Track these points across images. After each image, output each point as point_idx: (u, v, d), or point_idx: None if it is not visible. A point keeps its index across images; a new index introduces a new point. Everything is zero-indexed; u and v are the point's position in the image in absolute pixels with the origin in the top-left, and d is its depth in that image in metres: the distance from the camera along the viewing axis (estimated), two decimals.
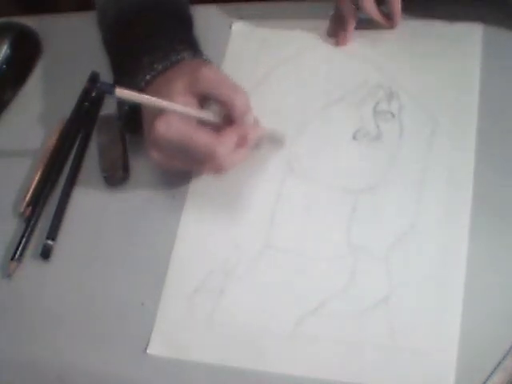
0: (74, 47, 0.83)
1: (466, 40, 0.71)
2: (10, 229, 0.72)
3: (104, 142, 0.74)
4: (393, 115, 0.69)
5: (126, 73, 0.70)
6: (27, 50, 0.84)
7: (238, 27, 0.79)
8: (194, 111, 0.65)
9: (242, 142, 0.64)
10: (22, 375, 0.64)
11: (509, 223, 0.61)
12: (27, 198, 0.73)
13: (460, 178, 0.64)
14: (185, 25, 0.75)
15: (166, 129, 0.63)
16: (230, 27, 0.80)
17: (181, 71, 0.67)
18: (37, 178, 0.74)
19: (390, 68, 0.72)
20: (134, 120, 0.69)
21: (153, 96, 0.63)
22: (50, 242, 0.70)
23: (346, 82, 0.72)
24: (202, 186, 0.70)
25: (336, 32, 0.76)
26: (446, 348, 0.57)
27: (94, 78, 0.79)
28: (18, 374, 0.64)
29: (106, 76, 0.79)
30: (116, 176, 0.72)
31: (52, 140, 0.76)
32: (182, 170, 0.69)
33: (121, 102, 0.69)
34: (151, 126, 0.64)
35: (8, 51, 0.82)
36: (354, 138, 0.69)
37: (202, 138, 0.62)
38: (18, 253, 0.70)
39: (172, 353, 0.62)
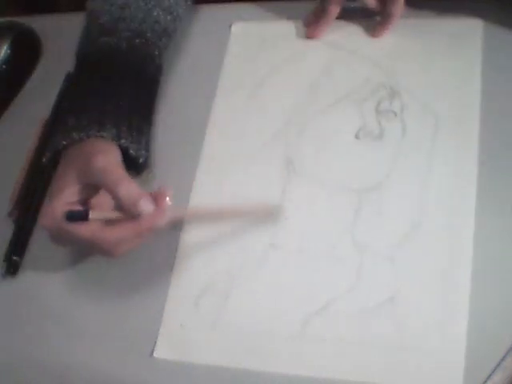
0: (73, 47, 0.82)
1: (467, 37, 0.71)
2: (9, 229, 0.72)
3: None
4: (395, 114, 0.69)
5: (55, 123, 0.71)
6: (27, 50, 0.83)
7: (238, 28, 0.79)
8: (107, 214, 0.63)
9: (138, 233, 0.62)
10: (22, 375, 0.64)
11: None
12: (14, 199, 0.73)
13: (463, 176, 0.64)
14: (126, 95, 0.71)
15: (48, 221, 0.63)
16: (230, 27, 0.79)
17: (83, 154, 0.65)
18: (21, 181, 0.74)
19: (392, 67, 0.72)
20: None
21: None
22: None
23: (348, 81, 0.72)
24: (205, 187, 0.69)
25: (311, 22, 0.75)
26: (453, 347, 0.56)
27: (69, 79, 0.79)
28: (18, 374, 0.64)
29: None
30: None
31: (33, 142, 0.76)
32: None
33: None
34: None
35: (8, 51, 0.82)
36: (357, 137, 0.68)
37: (85, 233, 0.61)
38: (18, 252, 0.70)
39: (178, 356, 0.61)
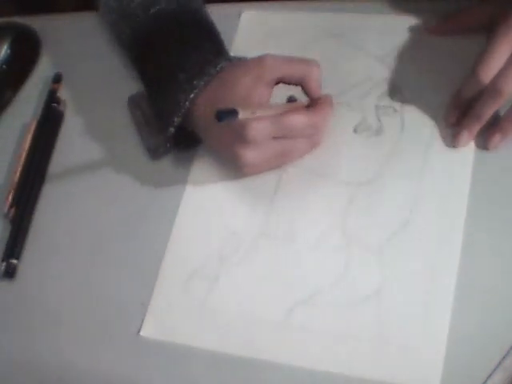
0: (73, 47, 0.83)
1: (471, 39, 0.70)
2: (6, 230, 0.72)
3: (140, 118, 0.74)
4: (395, 110, 0.68)
5: (162, 94, 0.68)
6: (27, 50, 0.84)
7: (247, 16, 0.79)
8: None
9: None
10: (22, 375, 0.64)
11: (505, 222, 0.61)
12: (10, 199, 0.73)
13: (458, 177, 0.63)
14: (209, 32, 0.72)
15: (258, 155, 0.64)
16: (239, 16, 0.79)
17: (231, 76, 0.65)
18: (16, 180, 0.74)
19: (395, 63, 0.71)
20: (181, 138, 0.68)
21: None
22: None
23: (351, 75, 0.72)
24: (201, 173, 0.70)
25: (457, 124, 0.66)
26: (434, 345, 0.57)
27: (57, 79, 0.80)
28: (18, 374, 0.65)
29: (104, 76, 0.79)
30: (161, 148, 0.72)
31: (25, 143, 0.76)
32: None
33: (165, 126, 0.67)
34: (238, 150, 0.63)
35: (8, 51, 0.82)
36: (355, 131, 0.68)
37: (299, 118, 0.64)
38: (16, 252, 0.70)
39: (164, 335, 0.63)
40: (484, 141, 0.64)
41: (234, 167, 0.66)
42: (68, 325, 0.65)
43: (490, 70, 0.61)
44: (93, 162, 0.74)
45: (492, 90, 0.61)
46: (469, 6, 0.69)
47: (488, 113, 0.62)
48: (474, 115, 0.63)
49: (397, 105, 0.68)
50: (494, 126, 0.63)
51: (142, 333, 0.63)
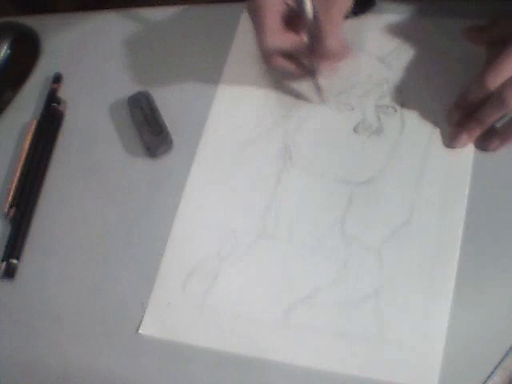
0: (74, 47, 0.83)
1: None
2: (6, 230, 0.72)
3: (140, 118, 0.75)
4: (395, 110, 0.68)
5: None
6: (27, 50, 0.84)
7: (247, 16, 0.77)
8: None
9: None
10: (23, 375, 0.64)
11: (504, 223, 0.61)
12: (9, 199, 0.73)
13: (458, 176, 0.63)
14: None
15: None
16: (239, 16, 0.79)
17: None
18: (16, 180, 0.74)
19: (395, 63, 0.71)
20: None
21: None
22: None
23: (352, 75, 0.72)
24: (201, 172, 0.70)
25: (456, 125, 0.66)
26: (432, 344, 0.57)
27: (57, 79, 0.80)
28: (19, 374, 0.65)
29: (104, 76, 0.80)
30: (160, 148, 0.72)
31: (26, 143, 0.76)
32: None
33: None
34: None
35: (8, 51, 0.83)
36: (355, 130, 0.68)
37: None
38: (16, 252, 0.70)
39: (163, 334, 0.63)
40: (483, 144, 0.64)
41: None
42: (68, 324, 0.65)
43: (497, 79, 0.61)
44: (93, 162, 0.74)
45: (497, 99, 0.61)
46: (493, 20, 0.69)
47: (490, 120, 0.63)
48: (476, 119, 0.64)
49: (397, 105, 0.68)
50: (494, 130, 0.64)
51: (141, 331, 0.63)
